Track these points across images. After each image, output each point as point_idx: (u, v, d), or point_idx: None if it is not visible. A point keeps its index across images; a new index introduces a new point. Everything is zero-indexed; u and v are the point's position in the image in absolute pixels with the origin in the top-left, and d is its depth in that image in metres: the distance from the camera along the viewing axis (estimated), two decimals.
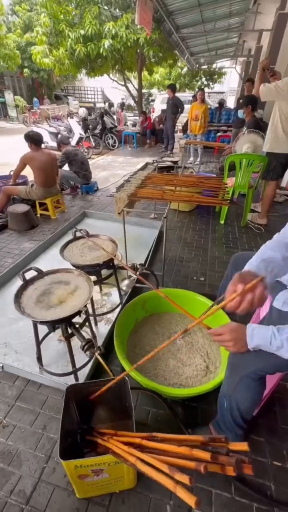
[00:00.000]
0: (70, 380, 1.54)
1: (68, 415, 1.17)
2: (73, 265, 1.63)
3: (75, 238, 1.90)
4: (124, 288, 2.25)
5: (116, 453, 0.91)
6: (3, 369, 1.60)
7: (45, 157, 3.62)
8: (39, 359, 1.59)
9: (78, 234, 1.95)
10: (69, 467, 0.93)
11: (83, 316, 1.51)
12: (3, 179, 4.55)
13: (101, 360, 1.18)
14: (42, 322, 1.23)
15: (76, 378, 1.55)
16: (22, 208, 3.43)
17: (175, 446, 0.80)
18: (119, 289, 2.05)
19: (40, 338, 1.55)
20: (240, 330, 0.92)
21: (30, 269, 1.47)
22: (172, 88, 6.41)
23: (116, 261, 1.75)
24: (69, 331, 1.35)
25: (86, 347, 1.20)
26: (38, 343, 1.52)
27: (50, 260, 2.70)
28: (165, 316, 1.90)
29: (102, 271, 1.76)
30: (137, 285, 2.27)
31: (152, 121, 8.80)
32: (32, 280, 1.44)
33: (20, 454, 1.26)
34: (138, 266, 1.86)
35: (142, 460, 0.80)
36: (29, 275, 1.46)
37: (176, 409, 1.41)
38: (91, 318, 1.96)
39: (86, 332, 1.72)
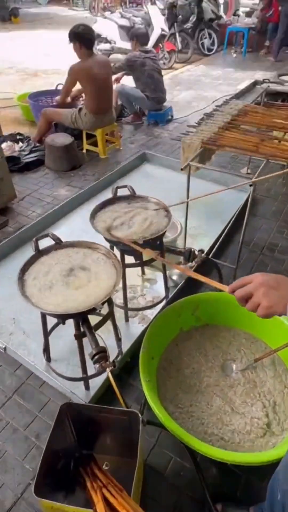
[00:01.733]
0: (79, 387, 1.65)
1: (62, 435, 1.27)
2: (107, 240, 1.64)
3: (114, 199, 1.88)
4: (174, 278, 2.19)
5: None
6: (5, 351, 1.82)
7: (101, 68, 3.49)
8: (46, 351, 1.73)
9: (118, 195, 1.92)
10: (44, 505, 1.03)
11: (106, 308, 1.54)
12: (47, 96, 4.71)
13: (112, 380, 1.19)
14: (51, 314, 1.29)
15: (87, 386, 1.65)
16: (63, 140, 3.54)
17: None
18: (166, 278, 2.00)
19: (51, 326, 1.67)
20: (283, 281, 0.81)
21: (47, 234, 1.53)
22: None
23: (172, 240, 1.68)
24: (81, 329, 1.40)
25: (95, 358, 1.23)
26: (46, 332, 1.63)
27: (84, 218, 2.73)
28: (224, 332, 1.80)
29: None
30: (194, 275, 2.17)
31: (279, 10, 7.56)
32: (48, 251, 1.51)
33: (7, 459, 1.46)
34: (196, 252, 1.76)
35: None
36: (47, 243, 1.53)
37: (208, 469, 1.38)
38: (120, 311, 2.01)
39: (107, 330, 1.77)
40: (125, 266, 1.77)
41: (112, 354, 1.77)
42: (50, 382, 1.68)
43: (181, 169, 1.79)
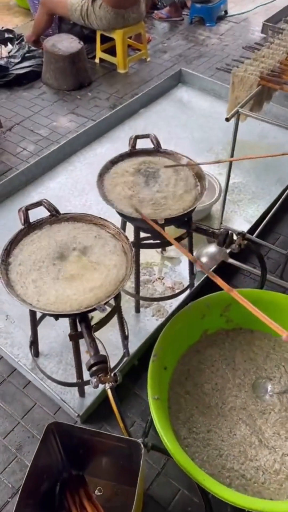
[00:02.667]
0: (71, 391, 1.80)
1: (47, 453, 1.43)
2: (120, 214, 1.68)
3: (131, 153, 1.88)
4: (203, 260, 2.24)
5: None
6: None
7: None
8: (34, 344, 1.87)
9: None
10: None
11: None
12: None
13: (112, 399, 1.30)
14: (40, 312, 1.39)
15: (82, 393, 1.80)
16: (68, 45, 3.45)
17: None
18: (193, 263, 2.05)
19: (40, 314, 1.78)
20: None
21: (41, 202, 1.59)
22: None
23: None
24: (78, 328, 1.50)
25: (93, 369, 1.34)
26: (35, 322, 1.75)
27: (91, 166, 2.76)
28: (261, 341, 1.87)
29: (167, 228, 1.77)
30: (233, 262, 2.22)
31: None
32: (40, 225, 1.57)
33: None
34: (236, 236, 1.79)
35: None
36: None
37: (221, 509, 1.53)
38: (128, 298, 2.10)
39: (111, 323, 1.86)
40: (140, 245, 1.82)
41: (116, 355, 1.90)
42: (36, 383, 1.83)
43: (227, 119, 1.76)
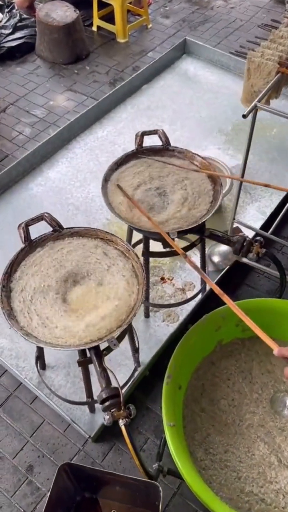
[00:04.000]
0: (81, 408, 1.74)
1: (60, 489, 1.38)
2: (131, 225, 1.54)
3: (137, 153, 1.72)
4: (215, 260, 2.12)
5: None
6: None
7: None
8: (40, 358, 1.78)
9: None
10: None
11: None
12: None
13: (127, 438, 1.23)
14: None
15: (92, 409, 1.73)
16: (63, 14, 3.18)
17: None
18: (204, 263, 1.93)
19: None
20: None
21: (42, 217, 1.45)
22: None
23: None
24: (88, 354, 1.41)
25: (105, 404, 1.26)
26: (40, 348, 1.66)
27: (92, 152, 2.59)
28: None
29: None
30: (247, 261, 2.10)
31: None
32: (43, 242, 1.45)
33: None
34: (255, 242, 1.66)
35: None
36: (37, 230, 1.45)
37: None
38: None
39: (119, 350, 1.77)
40: (149, 254, 1.71)
41: (126, 365, 1.82)
42: (44, 399, 1.76)
43: (244, 116, 1.59)
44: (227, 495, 1.47)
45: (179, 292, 2.07)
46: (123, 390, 1.73)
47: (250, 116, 1.61)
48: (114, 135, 2.75)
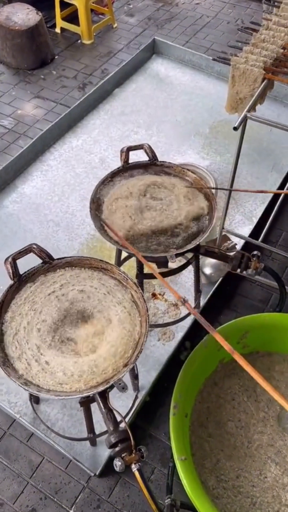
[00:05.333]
0: (82, 443, 1.65)
1: None
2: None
3: (124, 170, 1.63)
4: (207, 272, 2.06)
5: None
6: None
7: None
8: (33, 397, 1.68)
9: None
10: None
11: None
12: None
13: (141, 482, 1.16)
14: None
15: (93, 443, 1.65)
16: (25, 18, 3.03)
17: None
18: (198, 277, 1.87)
19: None
20: None
21: (30, 249, 1.34)
22: None
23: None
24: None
25: (116, 450, 1.18)
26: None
27: (67, 163, 2.46)
28: (282, 364, 1.75)
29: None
30: (244, 273, 2.05)
31: None
32: (32, 276, 1.34)
33: None
34: (253, 257, 1.61)
35: None
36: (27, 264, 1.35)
37: None
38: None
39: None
40: (143, 276, 1.63)
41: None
42: (41, 437, 1.67)
43: (235, 128, 1.52)
44: None
45: (172, 308, 2.01)
46: (126, 419, 1.66)
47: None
48: (90, 144, 2.64)
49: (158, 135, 2.70)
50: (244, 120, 1.54)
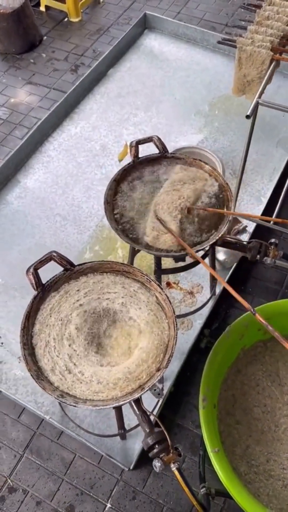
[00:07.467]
0: (113, 439, 1.69)
1: None
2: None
3: (136, 165, 1.60)
4: (220, 258, 2.06)
5: None
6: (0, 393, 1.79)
7: None
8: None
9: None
10: None
11: None
12: None
13: (181, 481, 1.19)
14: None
15: (123, 437, 1.69)
16: (9, 0, 2.90)
17: None
18: (214, 265, 1.87)
19: None
20: None
21: (50, 257, 1.32)
22: None
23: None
24: None
25: (154, 452, 1.20)
26: None
27: (68, 153, 2.43)
28: None
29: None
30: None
31: None
32: (55, 284, 1.33)
33: None
34: (271, 246, 1.61)
35: None
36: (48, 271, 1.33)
37: None
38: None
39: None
40: (161, 272, 1.63)
41: None
42: (71, 434, 1.70)
43: (247, 116, 1.48)
44: (277, 505, 1.47)
45: (188, 296, 2.02)
46: (154, 412, 1.70)
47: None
48: (89, 131, 2.59)
49: (158, 116, 2.64)
50: (256, 107, 1.50)
